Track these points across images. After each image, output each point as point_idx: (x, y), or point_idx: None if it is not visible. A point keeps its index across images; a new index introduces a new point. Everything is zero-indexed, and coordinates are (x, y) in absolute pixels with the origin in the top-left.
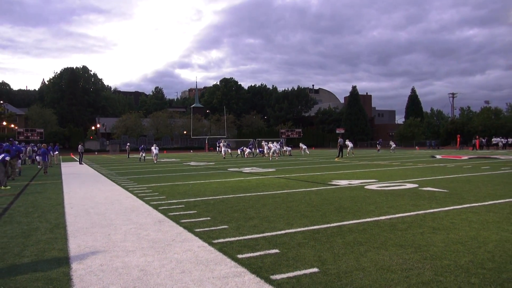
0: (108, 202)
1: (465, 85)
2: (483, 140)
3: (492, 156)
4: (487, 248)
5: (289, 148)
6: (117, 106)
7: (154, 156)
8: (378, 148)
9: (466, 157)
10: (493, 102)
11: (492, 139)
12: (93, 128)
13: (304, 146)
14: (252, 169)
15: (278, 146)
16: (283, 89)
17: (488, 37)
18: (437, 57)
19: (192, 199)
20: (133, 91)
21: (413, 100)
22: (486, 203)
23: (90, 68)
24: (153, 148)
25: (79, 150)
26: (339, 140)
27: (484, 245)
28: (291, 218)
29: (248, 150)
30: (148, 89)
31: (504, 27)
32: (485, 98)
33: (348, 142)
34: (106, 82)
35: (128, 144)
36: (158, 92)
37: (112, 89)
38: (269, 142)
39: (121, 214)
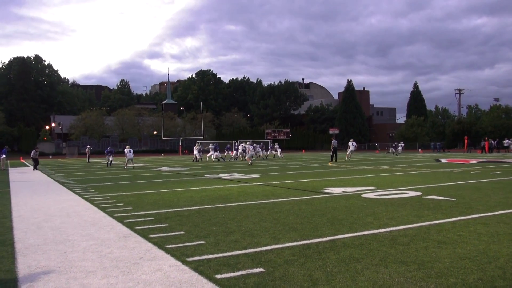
0: (64, 214)
1: (473, 80)
2: (493, 142)
3: (502, 160)
4: (497, 264)
5: (267, 149)
6: (76, 102)
7: (128, 161)
8: (392, 150)
9: (474, 161)
10: (503, 100)
11: (504, 141)
12: (47, 127)
13: (279, 149)
14: (232, 175)
15: (252, 149)
16: (269, 83)
17: (497, 27)
18: (442, 48)
19: (163, 211)
20: (95, 84)
21: (416, 97)
22: (497, 212)
23: (44, 58)
24: (126, 150)
25: (32, 156)
26: (332, 141)
27: (495, 261)
28: (278, 232)
29: (216, 153)
30: (112, 83)
31: None
32: (495, 95)
33: (351, 143)
34: (62, 74)
35: (88, 146)
36: (123, 86)
37: (70, 83)
38: (244, 143)
39: (80, 229)
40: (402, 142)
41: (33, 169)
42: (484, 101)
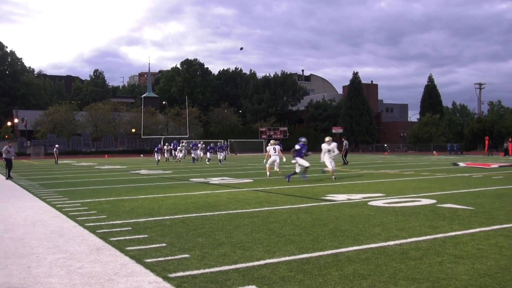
0: (28, 223)
1: (496, 74)
2: None
3: None
4: None
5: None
6: (42, 95)
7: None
8: None
9: (496, 165)
10: None
11: None
12: (9, 124)
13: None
14: (222, 179)
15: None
16: (264, 74)
17: None
18: (461, 37)
19: (142, 219)
20: (64, 75)
21: (431, 92)
22: None
23: (5, 44)
24: (205, 147)
25: (4, 156)
26: (344, 142)
27: None
28: (273, 244)
29: (180, 154)
30: (85, 73)
31: None
32: None
33: None
34: (27, 63)
35: (56, 146)
36: (97, 76)
37: (35, 73)
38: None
39: (46, 240)
40: None
41: (6, 178)
42: (508, 97)
